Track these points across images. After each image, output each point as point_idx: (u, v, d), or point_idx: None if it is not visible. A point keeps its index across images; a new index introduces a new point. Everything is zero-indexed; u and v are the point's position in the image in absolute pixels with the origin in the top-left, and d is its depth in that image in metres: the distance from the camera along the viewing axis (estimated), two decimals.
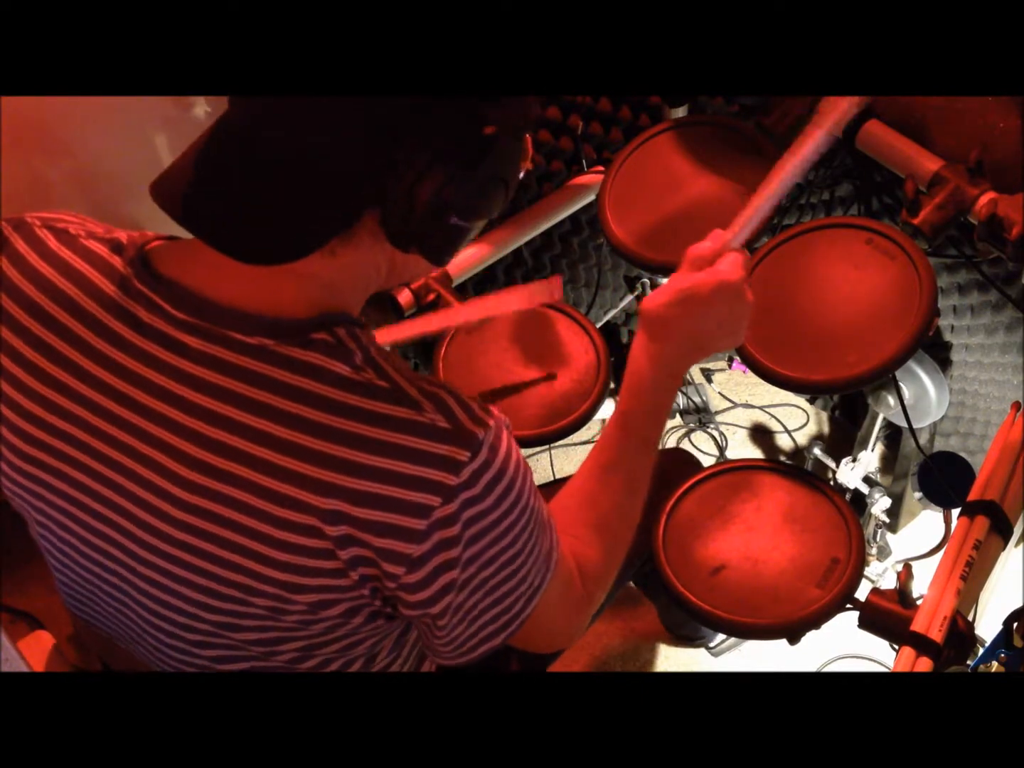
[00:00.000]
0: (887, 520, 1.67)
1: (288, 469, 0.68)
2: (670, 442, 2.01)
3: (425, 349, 1.32)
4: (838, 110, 0.94)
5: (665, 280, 0.91)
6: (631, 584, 1.53)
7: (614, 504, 0.87)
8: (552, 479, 1.78)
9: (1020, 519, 1.16)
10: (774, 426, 2.01)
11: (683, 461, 1.39)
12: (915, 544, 1.76)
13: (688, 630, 1.70)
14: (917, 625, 1.04)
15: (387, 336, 1.18)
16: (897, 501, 1.71)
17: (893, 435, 1.86)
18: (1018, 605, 0.98)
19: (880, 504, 1.62)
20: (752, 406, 2.04)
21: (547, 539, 0.77)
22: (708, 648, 1.70)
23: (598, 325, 1.43)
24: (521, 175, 0.76)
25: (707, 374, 2.06)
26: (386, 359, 0.72)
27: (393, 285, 0.79)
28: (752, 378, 1.96)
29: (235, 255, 0.67)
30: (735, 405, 2.04)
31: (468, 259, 1.45)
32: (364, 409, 0.68)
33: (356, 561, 0.69)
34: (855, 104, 0.95)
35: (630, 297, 1.78)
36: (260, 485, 0.68)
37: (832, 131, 0.89)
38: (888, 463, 1.85)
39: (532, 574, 0.75)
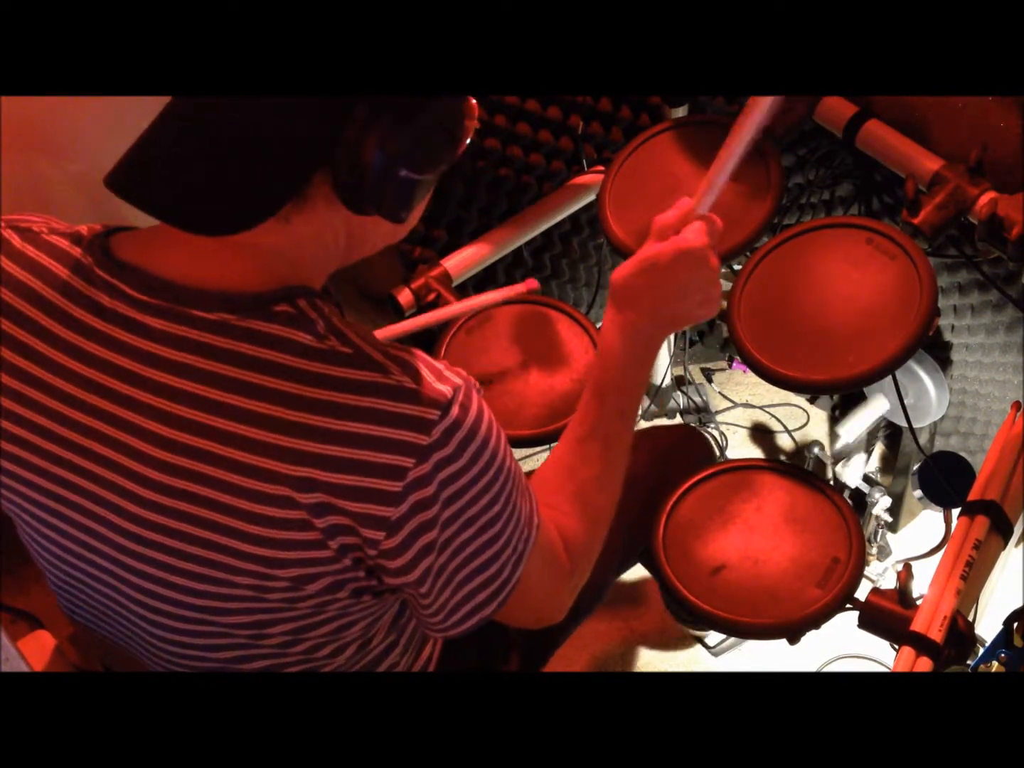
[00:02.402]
0: (887, 520, 1.67)
1: (257, 440, 0.68)
2: None
3: (425, 349, 1.32)
4: None
5: None
6: (631, 581, 1.53)
7: (592, 475, 0.87)
8: None
9: (1020, 519, 1.16)
10: (774, 426, 2.01)
11: (692, 439, 1.39)
12: (915, 544, 1.76)
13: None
14: (917, 625, 1.04)
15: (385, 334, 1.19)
16: (897, 501, 1.71)
17: (893, 435, 1.86)
18: (1018, 605, 0.98)
19: (880, 504, 1.62)
20: (752, 406, 2.03)
21: (527, 503, 0.77)
22: (708, 648, 1.70)
23: (598, 325, 1.43)
24: (470, 135, 0.76)
25: (707, 374, 2.06)
26: (349, 327, 0.72)
27: (354, 259, 0.80)
28: (752, 378, 1.96)
29: (190, 228, 0.68)
30: (735, 405, 2.04)
31: (468, 259, 1.45)
32: (329, 375, 0.68)
33: (334, 530, 0.69)
34: None
35: None
36: (230, 459, 0.68)
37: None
38: (888, 463, 1.85)
39: (515, 538, 0.75)
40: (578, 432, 0.88)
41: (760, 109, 0.88)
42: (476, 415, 0.71)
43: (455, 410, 0.69)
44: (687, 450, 1.34)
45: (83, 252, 0.75)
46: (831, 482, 1.67)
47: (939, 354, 1.66)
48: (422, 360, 0.71)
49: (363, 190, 0.70)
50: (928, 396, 1.53)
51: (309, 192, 0.70)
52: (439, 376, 0.70)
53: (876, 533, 1.68)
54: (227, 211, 0.68)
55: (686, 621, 1.71)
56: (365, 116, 0.67)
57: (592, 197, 1.53)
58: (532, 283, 1.23)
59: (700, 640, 1.71)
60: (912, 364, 1.51)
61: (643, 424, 1.91)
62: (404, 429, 0.67)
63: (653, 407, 1.96)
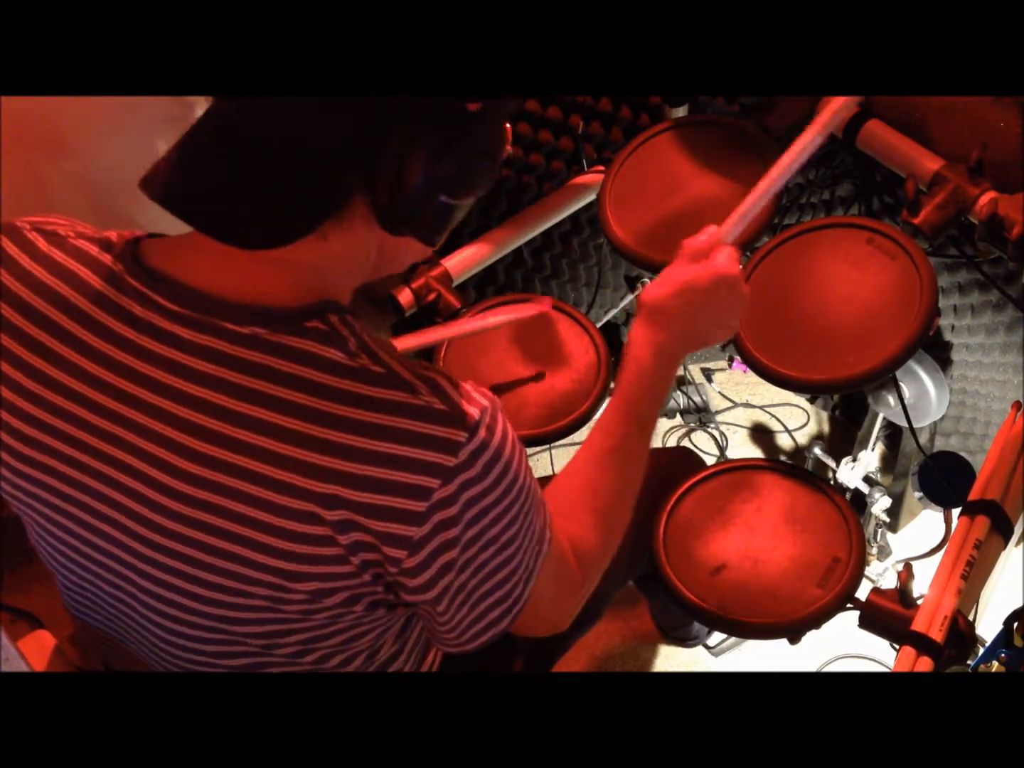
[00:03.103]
0: (887, 520, 1.67)
1: (285, 456, 0.68)
2: (670, 442, 2.01)
3: (426, 349, 1.32)
4: (832, 109, 0.94)
5: None
6: (630, 583, 1.53)
7: (612, 487, 0.88)
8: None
9: (1021, 519, 1.16)
10: (774, 426, 2.01)
11: (685, 459, 1.39)
12: (915, 544, 1.76)
13: (681, 632, 1.69)
14: (917, 625, 1.04)
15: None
16: (897, 501, 1.71)
17: (893, 435, 1.86)
18: (1018, 605, 0.98)
19: (880, 504, 1.62)
20: (752, 406, 2.04)
21: (540, 518, 0.77)
22: (708, 648, 1.70)
23: (598, 325, 1.43)
24: (503, 158, 0.76)
25: (707, 374, 2.06)
26: (380, 345, 0.72)
27: (381, 275, 0.80)
28: (752, 378, 1.96)
29: (230, 241, 0.68)
30: (735, 405, 2.04)
31: (468, 259, 1.45)
32: (360, 394, 0.68)
33: (357, 547, 0.69)
34: (850, 103, 0.96)
35: (630, 297, 1.78)
36: (257, 473, 0.68)
37: (827, 132, 0.90)
38: (888, 463, 1.85)
39: (528, 554, 0.76)
40: (600, 444, 0.89)
41: (807, 149, 0.90)
42: (501, 437, 0.71)
43: (482, 432, 0.69)
44: (676, 471, 1.33)
45: (113, 259, 0.74)
46: (831, 482, 1.67)
47: (939, 354, 1.66)
48: (449, 381, 0.71)
49: (402, 213, 0.70)
50: (928, 396, 1.53)
51: (348, 211, 0.69)
52: (467, 397, 0.70)
53: (876, 533, 1.68)
54: (269, 226, 0.68)
55: (673, 638, 1.70)
56: (411, 138, 0.67)
57: (592, 197, 1.53)
58: (546, 306, 1.24)
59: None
60: (912, 364, 1.51)
61: None
62: (431, 450, 0.67)
63: None
